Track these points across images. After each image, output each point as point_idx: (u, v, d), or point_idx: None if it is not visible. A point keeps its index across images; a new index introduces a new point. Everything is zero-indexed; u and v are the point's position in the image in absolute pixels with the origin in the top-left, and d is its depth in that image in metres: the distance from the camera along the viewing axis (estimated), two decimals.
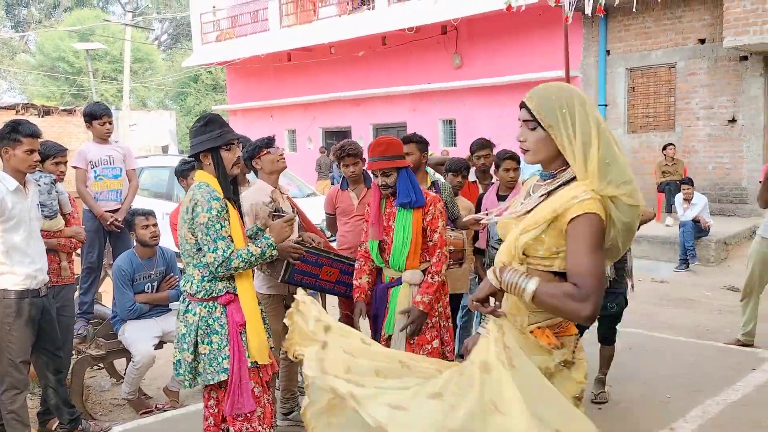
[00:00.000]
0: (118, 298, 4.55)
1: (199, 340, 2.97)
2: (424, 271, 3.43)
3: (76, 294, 5.17)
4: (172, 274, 4.78)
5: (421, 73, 15.11)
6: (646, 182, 11.59)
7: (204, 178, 3.04)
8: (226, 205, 2.99)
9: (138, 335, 4.44)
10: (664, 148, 10.65)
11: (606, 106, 12.30)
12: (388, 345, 3.38)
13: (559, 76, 11.70)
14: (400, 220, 3.43)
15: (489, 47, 13.94)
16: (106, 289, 5.75)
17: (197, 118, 3.16)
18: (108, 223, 5.05)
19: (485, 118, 13.43)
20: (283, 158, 3.97)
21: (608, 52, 12.22)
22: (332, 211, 4.55)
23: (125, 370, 4.79)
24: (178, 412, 4.40)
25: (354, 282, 3.62)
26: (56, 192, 4.36)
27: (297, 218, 3.95)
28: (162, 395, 4.65)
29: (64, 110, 18.07)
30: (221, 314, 2.99)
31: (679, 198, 9.21)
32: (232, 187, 3.12)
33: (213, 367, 2.97)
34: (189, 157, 3.22)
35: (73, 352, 4.59)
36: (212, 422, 3.11)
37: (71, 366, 4.37)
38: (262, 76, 18.83)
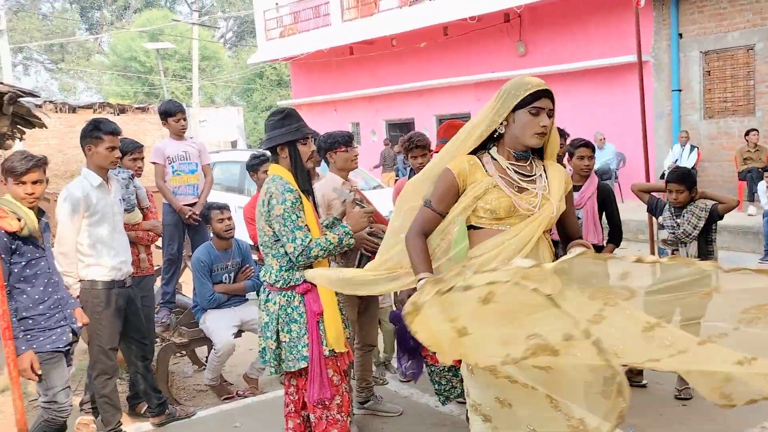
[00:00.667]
0: (198, 288, 4.72)
1: (279, 329, 3.05)
2: None
3: (158, 284, 5.39)
4: (247, 265, 4.91)
5: (485, 62, 14.92)
6: (725, 170, 11.10)
7: (278, 172, 3.10)
8: (300, 197, 3.04)
9: (218, 324, 4.59)
10: (747, 134, 10.16)
11: (680, 91, 11.83)
12: None
13: (630, 61, 11.34)
14: None
15: (554, 34, 13.62)
16: (185, 280, 5.97)
17: (272, 111, 3.21)
18: (186, 216, 5.23)
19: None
20: (357, 159, 4.03)
21: (681, 35, 11.73)
22: None
23: (206, 357, 4.96)
24: (258, 399, 4.54)
25: None
26: (134, 187, 4.55)
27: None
28: (242, 382, 4.80)
29: (138, 108, 18.81)
30: (299, 303, 3.05)
31: (762, 186, 8.77)
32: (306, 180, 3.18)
33: (293, 354, 3.04)
34: (265, 149, 3.26)
35: (157, 339, 4.79)
36: (292, 409, 3.20)
37: (156, 353, 4.56)
38: (325, 71, 19.03)
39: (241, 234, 5.05)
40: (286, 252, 3.02)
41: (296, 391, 3.18)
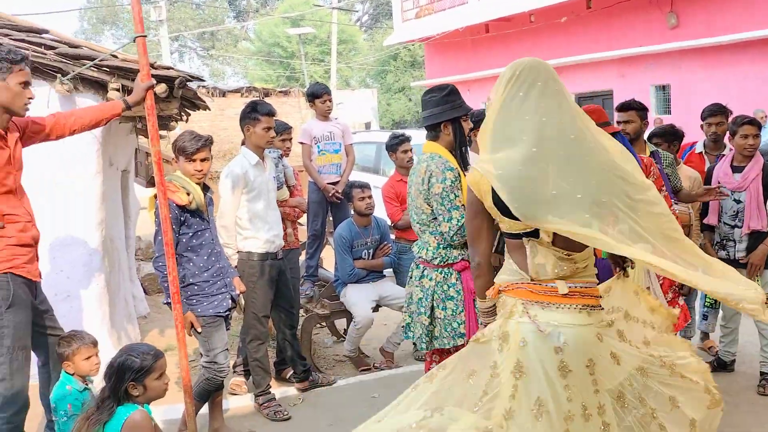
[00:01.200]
0: (339, 263, 4.92)
1: (435, 305, 3.07)
2: None
3: (302, 258, 5.69)
4: (386, 243, 5.05)
5: (631, 35, 14.06)
6: None
7: (435, 149, 3.09)
8: (459, 175, 3.04)
9: (358, 298, 4.77)
10: None
11: None
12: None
13: None
14: None
15: (710, 3, 12.53)
16: (326, 255, 6.23)
17: (433, 88, 3.18)
18: (330, 194, 5.45)
19: (705, 82, 12.15)
20: None
21: None
22: None
23: (344, 329, 5.18)
24: (394, 372, 4.68)
25: None
26: (282, 166, 4.81)
27: None
28: (378, 355, 4.97)
29: (281, 92, 19.73)
30: (456, 280, 3.06)
31: None
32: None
33: (448, 332, 3.04)
34: (425, 126, 3.21)
35: (300, 310, 5.07)
36: None
37: (300, 323, 4.83)
38: (459, 50, 18.86)
39: (380, 212, 5.19)
40: None
41: None
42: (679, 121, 5.29)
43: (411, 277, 3.25)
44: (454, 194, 3.00)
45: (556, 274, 2.11)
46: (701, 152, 4.71)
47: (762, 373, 4.02)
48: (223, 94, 18.68)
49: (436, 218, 3.07)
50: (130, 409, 2.56)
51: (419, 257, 3.19)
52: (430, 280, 3.10)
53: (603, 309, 2.20)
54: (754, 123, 4.00)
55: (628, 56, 14.09)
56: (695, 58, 12.71)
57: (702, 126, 4.68)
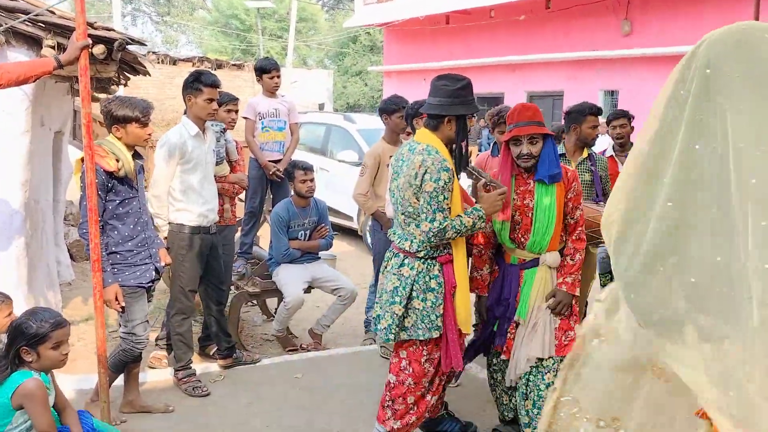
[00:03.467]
0: (274, 242, 4.87)
1: (414, 295, 2.97)
2: (560, 252, 3.20)
3: (237, 235, 5.60)
4: (323, 225, 5.01)
5: (585, 39, 14.35)
6: None
7: (432, 142, 2.96)
8: (453, 176, 2.94)
9: (290, 278, 4.73)
10: None
11: None
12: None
13: None
14: (542, 197, 3.11)
15: (664, 13, 12.90)
16: (263, 234, 6.16)
17: (448, 76, 3.00)
18: (270, 172, 5.37)
19: (653, 90, 12.53)
20: None
21: None
22: None
23: (276, 309, 5.14)
24: (322, 354, 4.68)
25: (473, 274, 3.28)
26: (224, 140, 4.71)
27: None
28: (307, 336, 4.95)
29: (234, 65, 19.36)
30: (439, 272, 2.99)
31: None
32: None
33: (425, 324, 2.96)
34: (429, 114, 3.04)
35: (232, 287, 5.00)
36: (411, 383, 3.10)
37: (230, 300, 4.76)
38: (418, 39, 18.86)
39: (319, 194, 5.14)
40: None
41: (409, 364, 3.06)
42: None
43: (387, 267, 3.12)
44: (444, 195, 2.88)
45: None
46: (611, 155, 4.92)
47: None
48: (174, 62, 18.19)
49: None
50: (24, 376, 2.52)
51: (401, 247, 3.05)
52: (411, 269, 2.98)
53: None
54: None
55: (579, 59, 14.38)
56: (645, 65, 13.07)
57: (608, 130, 5.19)
